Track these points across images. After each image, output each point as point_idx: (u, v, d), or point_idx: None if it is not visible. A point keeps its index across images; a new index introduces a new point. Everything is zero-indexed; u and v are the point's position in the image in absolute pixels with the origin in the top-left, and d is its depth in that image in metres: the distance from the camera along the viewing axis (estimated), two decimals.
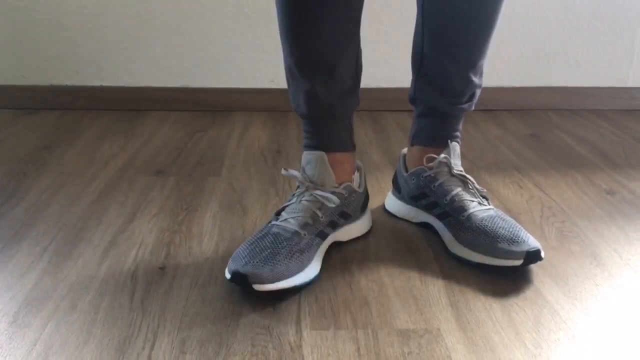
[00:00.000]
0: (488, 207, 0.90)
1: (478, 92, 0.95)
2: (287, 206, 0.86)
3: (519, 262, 0.82)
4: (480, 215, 0.88)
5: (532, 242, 0.83)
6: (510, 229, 0.84)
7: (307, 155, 0.87)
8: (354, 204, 0.91)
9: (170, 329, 0.72)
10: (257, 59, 1.62)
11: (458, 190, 0.91)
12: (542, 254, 0.83)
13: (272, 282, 0.77)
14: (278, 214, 0.86)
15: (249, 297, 0.78)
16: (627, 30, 1.65)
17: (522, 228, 0.86)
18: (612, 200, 1.11)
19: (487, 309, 0.77)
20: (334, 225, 0.88)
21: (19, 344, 0.69)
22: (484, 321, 0.75)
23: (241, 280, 0.77)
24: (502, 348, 0.70)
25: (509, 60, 1.66)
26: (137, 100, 1.64)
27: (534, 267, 0.87)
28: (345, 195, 0.88)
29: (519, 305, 0.78)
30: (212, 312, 0.75)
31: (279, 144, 1.39)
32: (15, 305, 0.76)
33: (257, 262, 0.77)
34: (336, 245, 0.91)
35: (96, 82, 1.63)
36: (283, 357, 0.68)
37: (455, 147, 0.94)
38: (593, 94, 1.71)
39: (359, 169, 0.94)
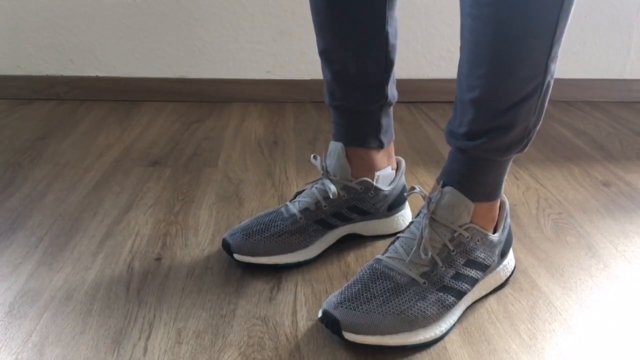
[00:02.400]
0: None
1: None
2: (305, 189, 0.88)
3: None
4: None
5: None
6: None
7: (330, 145, 0.88)
8: (371, 201, 0.88)
9: (166, 320, 0.72)
10: (254, 49, 1.61)
11: None
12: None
13: (253, 255, 0.81)
14: (296, 195, 0.88)
15: (245, 287, 0.79)
16: (624, 22, 1.65)
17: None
18: (608, 192, 1.11)
19: (482, 300, 0.77)
20: (344, 218, 0.87)
21: (15, 335, 0.69)
22: (479, 312, 0.75)
23: (226, 248, 0.82)
24: (498, 339, 0.70)
25: None
26: (133, 90, 1.63)
27: (530, 258, 0.87)
28: (359, 190, 0.86)
29: (514, 296, 0.79)
30: (208, 303, 0.76)
31: (275, 135, 1.39)
32: (10, 295, 0.76)
33: (246, 233, 0.82)
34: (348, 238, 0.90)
35: (92, 73, 1.62)
36: (279, 347, 0.68)
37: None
38: (590, 85, 1.71)
39: (397, 168, 0.92)
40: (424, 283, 0.70)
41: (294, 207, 0.85)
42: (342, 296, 0.69)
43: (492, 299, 0.78)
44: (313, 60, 1.62)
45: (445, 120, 1.51)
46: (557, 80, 1.68)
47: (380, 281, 0.70)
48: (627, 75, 1.71)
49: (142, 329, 0.70)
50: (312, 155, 0.87)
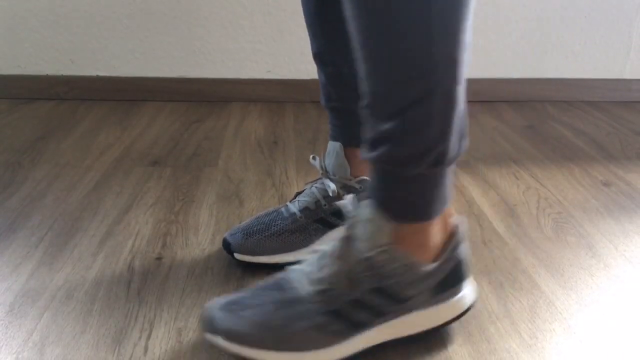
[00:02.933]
0: None
1: None
2: (304, 189, 0.88)
3: None
4: None
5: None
6: None
7: (328, 145, 0.88)
8: None
9: (166, 319, 0.72)
10: (254, 49, 1.61)
11: None
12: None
13: (253, 255, 0.81)
14: (296, 195, 0.88)
15: (246, 287, 0.78)
16: (624, 22, 1.65)
17: None
18: (608, 191, 1.11)
19: (482, 300, 0.77)
20: (344, 217, 0.86)
21: (15, 334, 0.69)
22: (479, 312, 0.75)
23: (226, 247, 0.82)
24: (498, 338, 0.70)
25: (506, 51, 1.66)
26: (133, 90, 1.63)
27: (530, 258, 0.87)
28: (359, 189, 0.86)
29: (514, 295, 0.79)
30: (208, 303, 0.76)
31: (275, 135, 1.39)
32: (11, 295, 0.76)
33: (246, 233, 0.82)
34: None
35: (92, 72, 1.62)
36: None
37: None
38: (590, 85, 1.71)
39: None
40: (316, 302, 0.63)
41: (294, 207, 0.85)
42: (230, 298, 0.66)
43: (492, 299, 0.78)
44: (312, 60, 1.61)
45: None
46: (558, 80, 1.69)
47: (272, 291, 0.65)
48: (627, 75, 1.71)
49: (142, 328, 0.70)
50: (311, 156, 0.87)
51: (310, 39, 0.83)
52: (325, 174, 0.85)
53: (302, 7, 0.81)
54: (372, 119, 0.60)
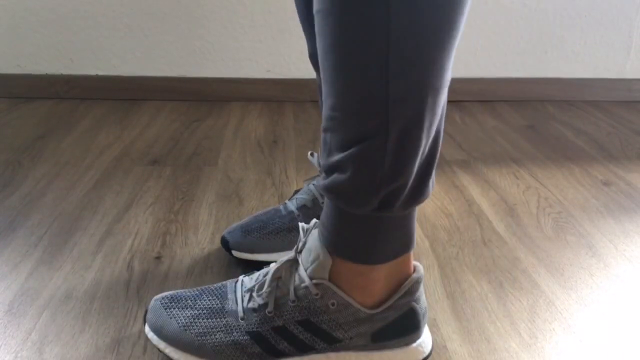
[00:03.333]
0: None
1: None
2: (302, 188, 0.88)
3: None
4: None
5: None
6: None
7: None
8: None
9: None
10: (254, 48, 1.61)
11: None
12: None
13: (252, 252, 0.82)
14: (294, 193, 0.88)
15: None
16: (625, 21, 1.65)
17: None
18: (608, 191, 1.11)
19: (482, 299, 0.77)
20: None
21: (14, 333, 0.69)
22: (479, 311, 0.75)
23: (224, 245, 0.82)
24: (498, 338, 0.70)
25: (506, 51, 1.66)
26: (133, 89, 1.63)
27: (530, 258, 0.87)
28: None
29: (514, 295, 0.78)
30: None
31: (275, 134, 1.39)
32: (10, 294, 0.76)
33: (244, 231, 0.82)
34: None
35: (91, 71, 1.62)
36: None
37: None
38: (590, 85, 1.71)
39: None
40: (242, 319, 0.62)
41: (292, 205, 0.85)
42: (177, 293, 0.66)
43: (491, 298, 0.78)
44: None
45: (446, 120, 1.51)
46: (558, 80, 1.69)
47: (213, 297, 0.65)
48: (627, 74, 1.71)
49: (141, 327, 0.70)
50: (309, 153, 0.87)
51: (306, 39, 0.83)
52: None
53: (296, 6, 0.81)
54: (327, 144, 0.56)
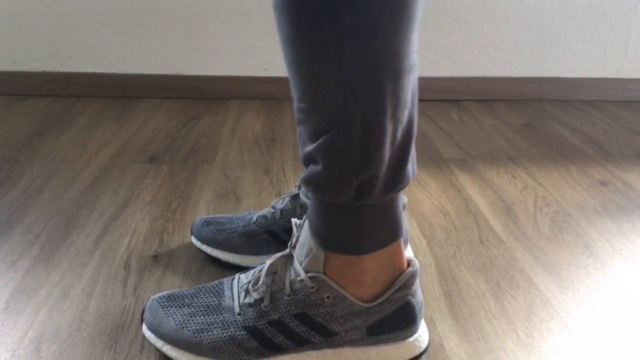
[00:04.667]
0: None
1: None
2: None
3: None
4: None
5: None
6: None
7: None
8: None
9: None
10: (252, 46, 1.61)
11: None
12: None
13: (202, 242, 0.83)
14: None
15: None
16: (622, 20, 1.65)
17: None
18: (605, 190, 1.11)
19: (479, 298, 0.77)
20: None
21: (11, 332, 0.69)
22: (476, 310, 0.75)
23: (191, 230, 0.85)
24: (494, 337, 0.70)
25: (504, 49, 1.66)
26: (130, 87, 1.62)
27: (527, 257, 0.87)
28: None
29: (511, 294, 0.79)
30: None
31: (273, 132, 1.39)
32: (7, 292, 0.76)
33: (207, 222, 0.84)
34: None
35: (88, 69, 1.61)
36: None
37: None
38: (587, 84, 1.71)
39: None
40: (239, 314, 0.62)
41: (260, 212, 0.84)
42: (174, 292, 0.67)
43: (489, 297, 0.78)
44: None
45: (444, 119, 1.51)
46: (555, 79, 1.69)
47: (210, 295, 0.65)
48: (625, 74, 1.71)
49: (138, 326, 0.70)
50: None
51: None
52: (299, 187, 0.82)
53: None
54: (302, 137, 0.57)
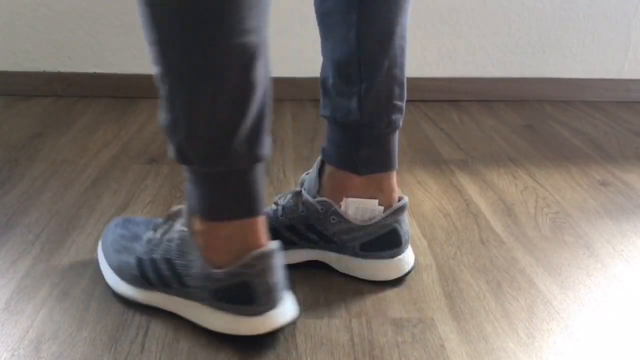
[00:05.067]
0: None
1: None
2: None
3: None
4: None
5: None
6: None
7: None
8: (334, 228, 0.79)
9: (163, 316, 0.72)
10: None
11: None
12: None
13: None
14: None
15: None
16: (623, 21, 1.65)
17: None
18: (606, 191, 1.11)
19: (480, 299, 0.77)
20: (302, 236, 0.81)
21: (11, 331, 0.69)
22: (477, 311, 0.75)
23: None
24: (495, 337, 0.70)
25: (504, 50, 1.66)
26: (131, 87, 1.62)
27: (528, 258, 0.87)
28: (320, 211, 0.79)
29: (512, 295, 0.79)
30: None
31: (273, 133, 1.39)
32: (7, 292, 0.76)
33: None
34: None
35: (89, 69, 1.61)
36: (277, 346, 0.68)
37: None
38: (588, 85, 1.71)
39: (391, 206, 0.88)
40: (141, 246, 0.73)
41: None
42: (134, 218, 0.81)
43: (489, 298, 0.78)
44: (311, 59, 1.61)
45: (445, 119, 1.51)
46: (556, 80, 1.69)
47: (145, 225, 0.78)
48: (625, 75, 1.71)
49: (139, 325, 0.70)
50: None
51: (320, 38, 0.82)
52: (301, 185, 0.82)
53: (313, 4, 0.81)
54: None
